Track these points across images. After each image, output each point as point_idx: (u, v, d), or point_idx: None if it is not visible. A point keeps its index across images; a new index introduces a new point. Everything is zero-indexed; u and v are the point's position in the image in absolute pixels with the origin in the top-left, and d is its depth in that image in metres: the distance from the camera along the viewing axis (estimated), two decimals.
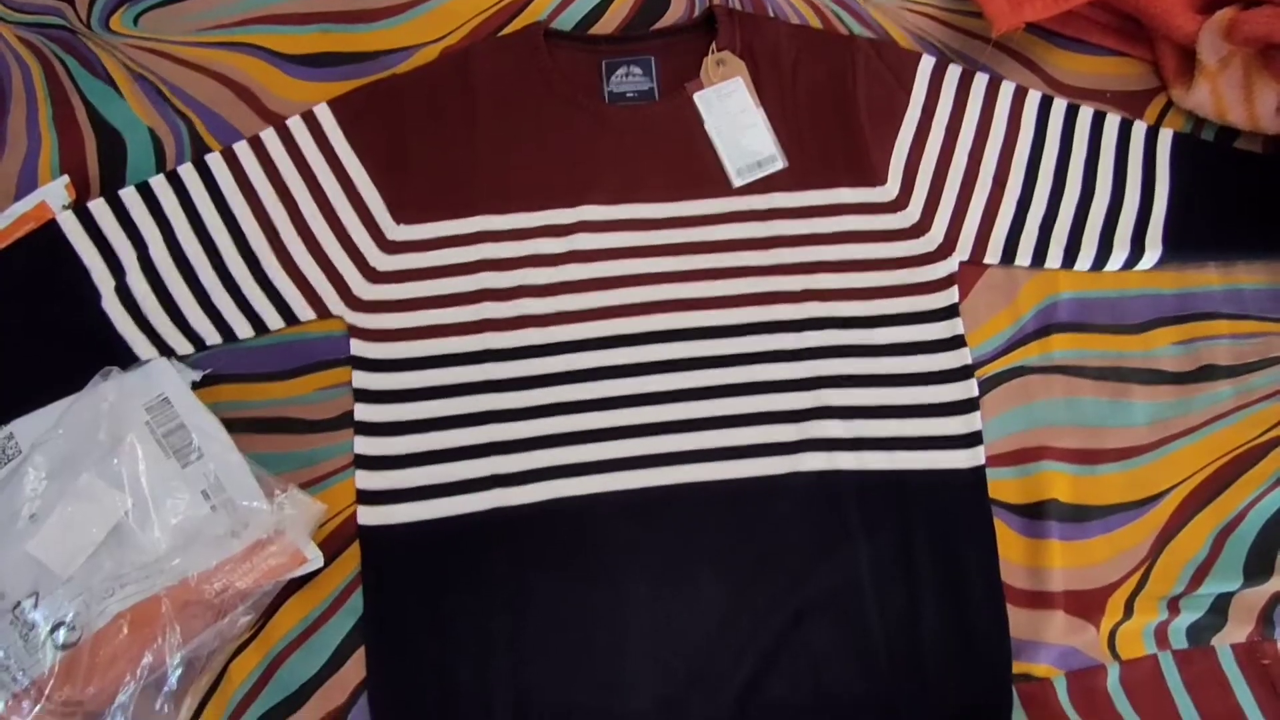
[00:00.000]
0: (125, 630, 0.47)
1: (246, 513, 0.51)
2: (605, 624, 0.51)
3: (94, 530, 0.49)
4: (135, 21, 0.63)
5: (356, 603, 0.52)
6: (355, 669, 0.51)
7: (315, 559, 0.50)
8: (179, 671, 0.48)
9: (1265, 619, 0.52)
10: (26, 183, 0.59)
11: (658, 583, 0.52)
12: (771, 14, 0.64)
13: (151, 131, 0.60)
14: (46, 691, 0.45)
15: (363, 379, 0.55)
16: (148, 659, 0.47)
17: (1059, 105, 0.60)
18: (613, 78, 0.61)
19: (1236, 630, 0.52)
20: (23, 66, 0.62)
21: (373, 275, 0.56)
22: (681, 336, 0.55)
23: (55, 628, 0.46)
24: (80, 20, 0.63)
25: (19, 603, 0.47)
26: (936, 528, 0.53)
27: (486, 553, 0.52)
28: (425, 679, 0.50)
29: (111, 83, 0.62)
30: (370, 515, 0.53)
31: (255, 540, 0.50)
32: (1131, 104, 0.62)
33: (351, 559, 0.53)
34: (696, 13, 0.64)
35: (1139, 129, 0.60)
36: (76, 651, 0.47)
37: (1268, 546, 0.54)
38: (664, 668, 0.50)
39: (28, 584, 0.48)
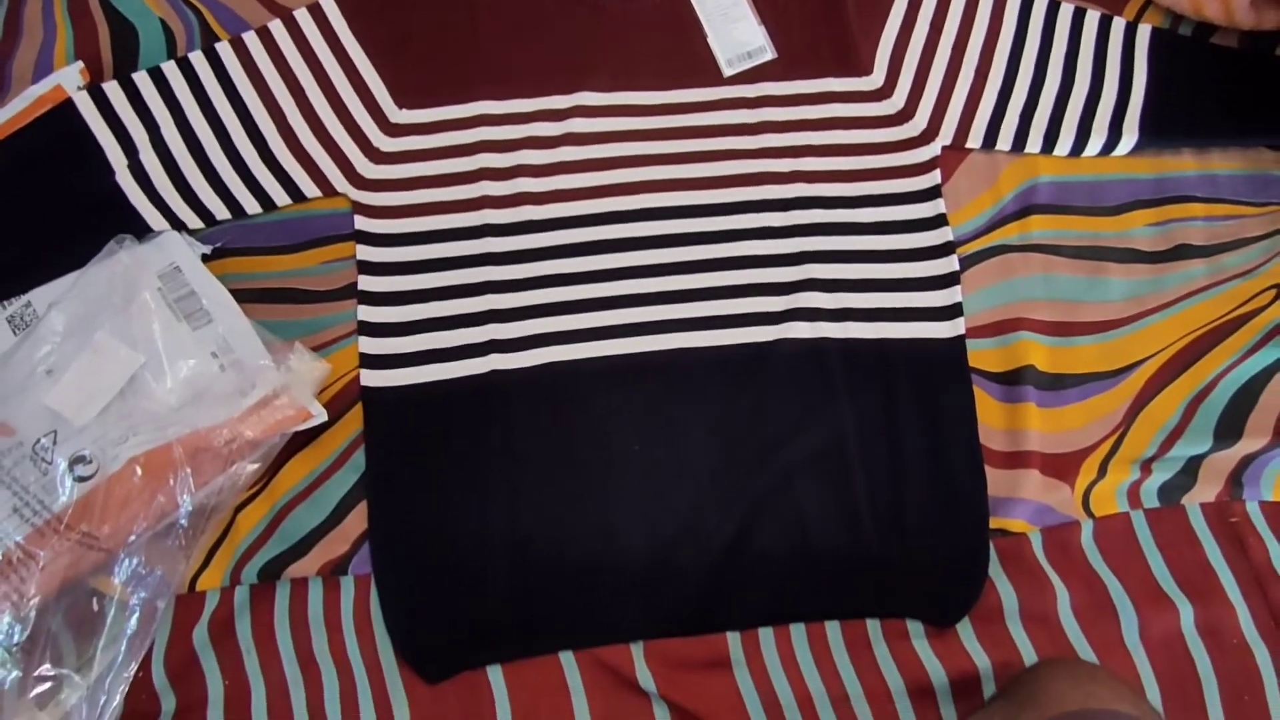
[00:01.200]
0: (139, 473, 0.49)
1: (254, 371, 0.53)
2: (597, 478, 0.53)
3: (109, 383, 0.51)
4: None
5: (359, 460, 0.54)
6: (357, 521, 0.53)
7: (320, 414, 0.52)
8: (190, 514, 0.50)
9: (1233, 480, 0.54)
10: (43, 69, 0.61)
11: (648, 440, 0.54)
12: None
13: (163, 22, 0.62)
14: (66, 522, 0.47)
15: (366, 252, 0.57)
16: (160, 500, 0.49)
17: (1041, 1, 0.62)
18: None
19: (1206, 490, 0.54)
20: None
21: (376, 156, 0.58)
22: (673, 214, 0.58)
23: (73, 463, 0.48)
24: None
25: (38, 440, 0.49)
26: (918, 392, 0.55)
27: (483, 413, 0.54)
28: (424, 531, 0.52)
29: None
30: (373, 378, 0.55)
31: (263, 396, 0.52)
32: (1111, 1, 0.64)
33: (355, 419, 0.55)
34: None
35: (1118, 23, 0.62)
36: (93, 491, 0.49)
37: (1237, 413, 0.55)
38: (654, 519, 0.52)
39: (45, 429, 0.50)
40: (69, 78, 0.59)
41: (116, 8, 0.63)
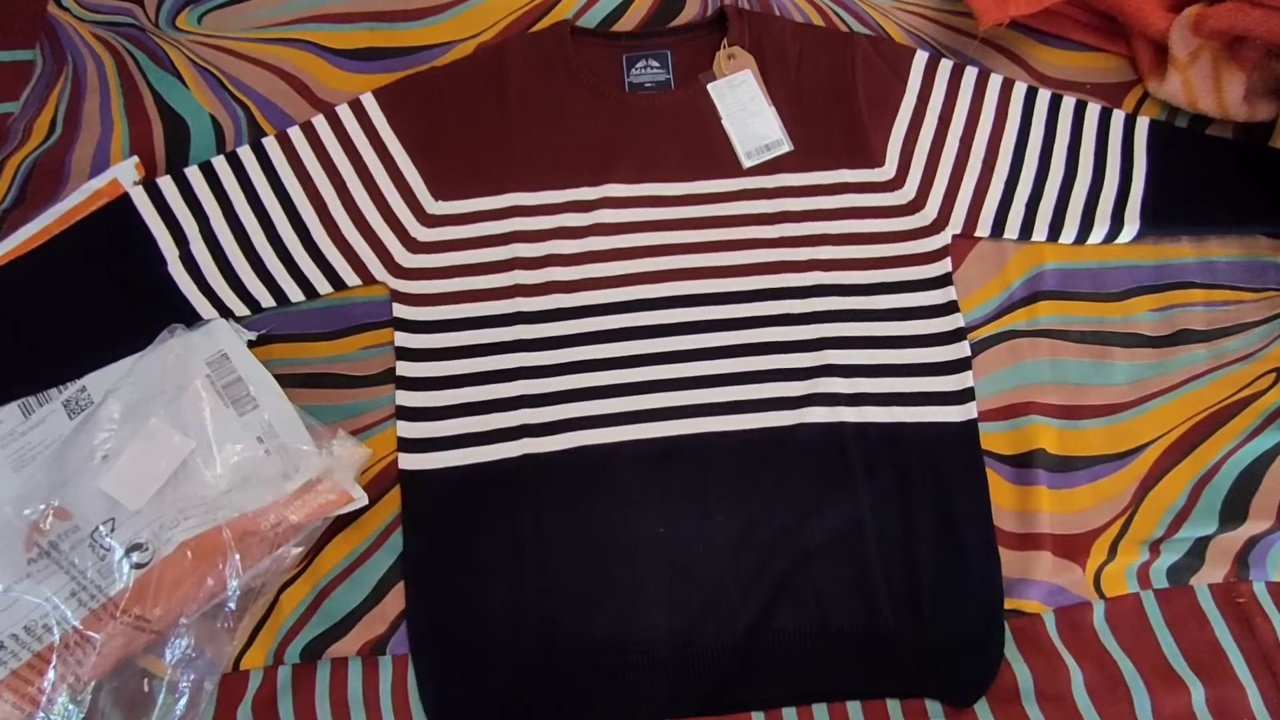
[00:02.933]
0: (190, 557, 0.52)
1: (298, 456, 0.55)
2: (624, 560, 0.55)
3: (162, 468, 0.54)
4: (199, 20, 0.70)
5: (397, 541, 0.56)
6: (395, 601, 0.55)
7: (360, 498, 0.55)
8: (237, 596, 0.52)
9: (1240, 561, 0.56)
10: (100, 163, 0.65)
11: (673, 522, 0.56)
12: (777, 13, 0.69)
13: (213, 118, 0.66)
14: (122, 606, 0.50)
15: (404, 339, 0.60)
16: (210, 583, 0.51)
17: (1043, 95, 0.65)
18: (633, 69, 0.66)
19: (1213, 571, 0.56)
20: (97, 60, 0.68)
21: (413, 246, 0.61)
22: (696, 301, 0.60)
23: (130, 550, 0.51)
24: (149, 19, 0.70)
25: (96, 527, 0.51)
26: (933, 474, 0.57)
27: (516, 496, 0.56)
28: (459, 610, 0.54)
29: (177, 74, 0.68)
30: (410, 461, 0.57)
31: (306, 480, 0.54)
32: (1110, 95, 0.67)
33: (393, 501, 0.57)
34: (709, 12, 0.70)
35: (1118, 116, 0.65)
36: (146, 574, 0.51)
37: (1241, 495, 0.57)
38: (678, 600, 0.54)
39: (102, 515, 0.52)
40: (125, 172, 0.63)
41: (170, 104, 0.67)
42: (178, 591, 0.51)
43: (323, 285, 0.61)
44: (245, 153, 0.62)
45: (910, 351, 0.60)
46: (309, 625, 0.54)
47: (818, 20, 0.70)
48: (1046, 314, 0.62)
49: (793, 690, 0.54)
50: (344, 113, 0.63)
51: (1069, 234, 0.63)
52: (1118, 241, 0.63)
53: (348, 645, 0.54)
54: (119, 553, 0.51)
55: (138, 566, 0.50)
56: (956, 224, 0.63)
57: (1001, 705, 0.53)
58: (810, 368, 0.59)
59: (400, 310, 0.60)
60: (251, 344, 0.59)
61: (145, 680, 0.51)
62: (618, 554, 0.55)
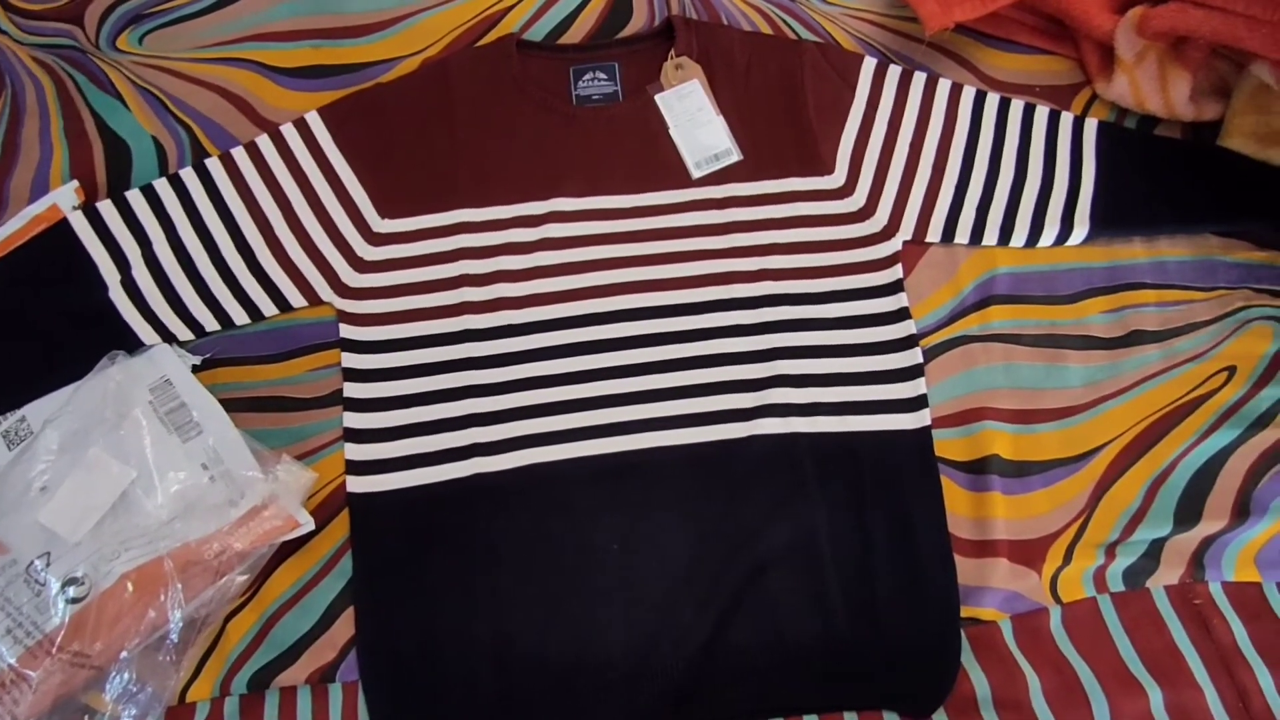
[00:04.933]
0: (130, 589, 0.51)
1: (243, 482, 0.54)
2: (578, 579, 0.54)
3: (101, 499, 0.53)
4: (140, 41, 0.69)
5: (346, 565, 0.55)
6: (345, 627, 0.54)
7: (307, 523, 0.54)
8: (180, 628, 0.51)
9: (1195, 562, 0.56)
10: (39, 188, 0.64)
11: (626, 540, 0.55)
12: (725, 22, 0.69)
13: (155, 140, 0.65)
14: (58, 643, 0.48)
15: (351, 359, 0.59)
16: (151, 615, 0.50)
17: (992, 99, 0.65)
18: (580, 82, 0.66)
19: (1169, 573, 0.55)
20: (36, 83, 0.67)
21: (360, 265, 0.61)
22: (646, 315, 0.60)
23: (66, 584, 0.50)
24: (89, 41, 0.69)
25: (32, 562, 0.50)
26: (887, 483, 0.56)
27: (467, 516, 0.55)
28: (409, 635, 0.54)
29: (118, 96, 0.67)
30: (359, 484, 0.56)
31: (251, 507, 0.53)
32: (1058, 97, 0.67)
33: (341, 525, 0.56)
34: (656, 22, 0.69)
35: (1066, 118, 0.65)
36: (85, 609, 0.50)
37: (1196, 495, 0.57)
38: (632, 617, 0.54)
39: (39, 548, 0.51)
40: (64, 197, 0.62)
41: (110, 127, 0.66)
42: (118, 625, 0.50)
43: (268, 307, 0.60)
44: (188, 174, 0.61)
45: (862, 359, 0.59)
46: (256, 654, 0.53)
47: (766, 28, 0.70)
48: (999, 318, 0.61)
49: (750, 705, 0.53)
50: (288, 131, 0.62)
51: (1020, 237, 0.63)
52: (1069, 244, 0.63)
53: (296, 673, 0.53)
54: (55, 588, 0.50)
55: (74, 601, 0.49)
56: (907, 230, 0.63)
57: (960, 715, 0.53)
58: (762, 378, 0.58)
59: (347, 331, 0.60)
60: (196, 368, 0.58)
61: (86, 717, 0.50)
62: (570, 573, 0.55)
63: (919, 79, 0.65)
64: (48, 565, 0.50)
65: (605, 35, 0.69)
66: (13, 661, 0.48)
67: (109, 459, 0.54)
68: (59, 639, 0.49)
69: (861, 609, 0.54)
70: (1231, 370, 0.61)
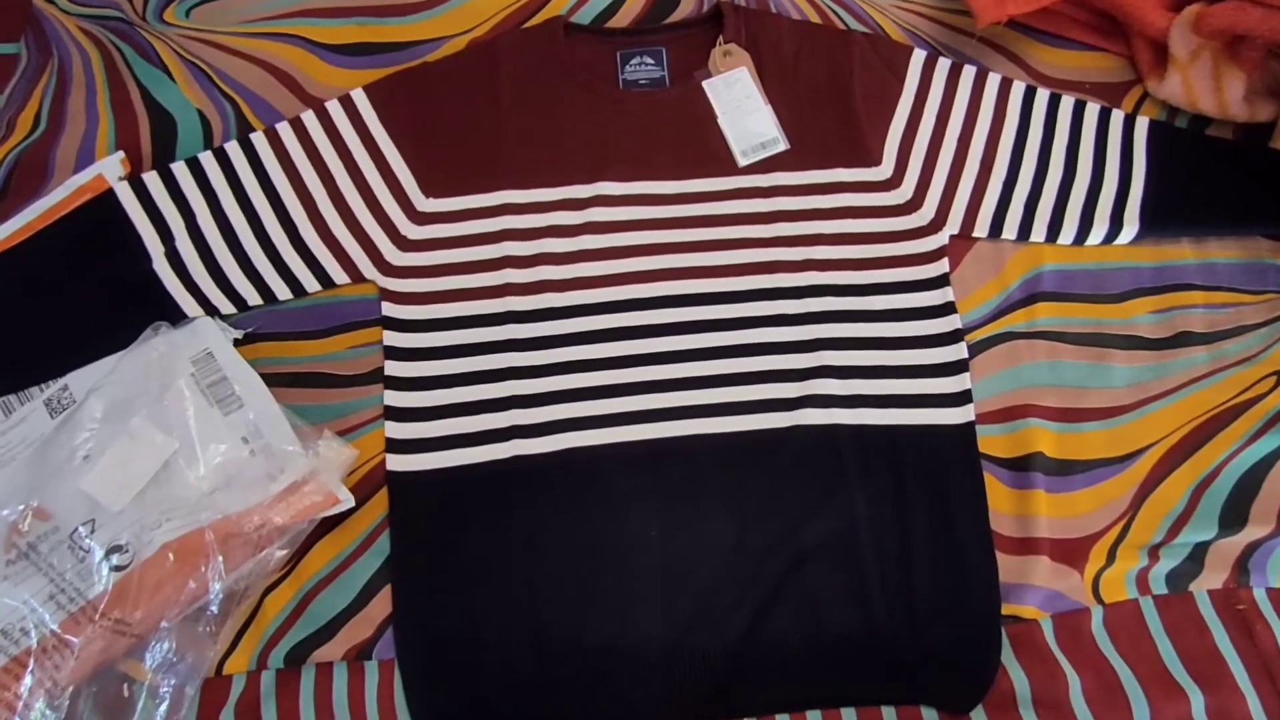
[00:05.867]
0: (171, 559, 0.51)
1: (283, 457, 0.54)
2: (615, 564, 0.54)
3: (144, 469, 0.53)
4: (187, 14, 0.69)
5: (384, 544, 0.55)
6: (381, 605, 0.54)
7: (347, 499, 0.54)
8: (220, 599, 0.51)
9: (1239, 567, 0.55)
10: (85, 158, 0.64)
11: (665, 526, 0.55)
12: (774, 10, 0.69)
13: (200, 113, 0.65)
14: (101, 610, 0.49)
15: (393, 338, 0.59)
16: (192, 586, 0.50)
17: (1042, 95, 0.64)
18: (627, 67, 0.65)
19: (1212, 577, 0.55)
20: (83, 54, 0.67)
21: (403, 244, 0.60)
22: (689, 301, 0.59)
23: (110, 552, 0.50)
24: (136, 13, 0.69)
25: (76, 529, 0.50)
26: (929, 478, 0.56)
27: (505, 498, 0.55)
28: (446, 615, 0.53)
29: (164, 69, 0.67)
30: (398, 462, 0.56)
31: (291, 482, 0.53)
32: (1109, 95, 0.67)
33: (380, 503, 0.56)
34: (705, 8, 0.69)
35: (1117, 116, 0.64)
36: (127, 577, 0.50)
37: (1241, 499, 0.57)
38: (670, 604, 0.53)
39: (83, 516, 0.51)
40: (110, 167, 0.61)
41: (157, 99, 0.66)
42: (159, 594, 0.50)
43: (311, 283, 0.60)
44: (233, 148, 0.61)
45: (907, 353, 0.59)
46: (293, 629, 0.53)
47: (815, 18, 0.69)
48: (1045, 315, 0.61)
49: (787, 697, 0.53)
50: (334, 108, 0.62)
51: (1068, 234, 0.62)
52: (1117, 242, 0.62)
53: (333, 650, 0.53)
54: (98, 555, 0.50)
55: (117, 569, 0.49)
56: (954, 224, 0.62)
57: (998, 713, 0.52)
58: (805, 369, 0.58)
59: (389, 309, 0.59)
60: (237, 342, 0.58)
61: (125, 685, 0.50)
62: (609, 558, 0.54)
63: (968, 72, 0.65)
64: (92, 532, 0.50)
65: (653, 20, 0.69)
66: (55, 627, 0.48)
67: (152, 429, 0.54)
68: (102, 605, 0.49)
69: (901, 603, 0.54)
70: None
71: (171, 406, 0.54)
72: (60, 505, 0.52)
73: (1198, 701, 0.52)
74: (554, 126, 0.63)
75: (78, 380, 0.57)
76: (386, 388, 0.58)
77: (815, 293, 0.60)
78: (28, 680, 0.48)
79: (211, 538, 0.51)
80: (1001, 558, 0.55)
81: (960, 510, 0.56)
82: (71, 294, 0.58)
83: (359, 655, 0.53)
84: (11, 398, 0.56)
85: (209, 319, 0.58)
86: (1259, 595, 0.55)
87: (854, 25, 0.69)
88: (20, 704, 0.47)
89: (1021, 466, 0.57)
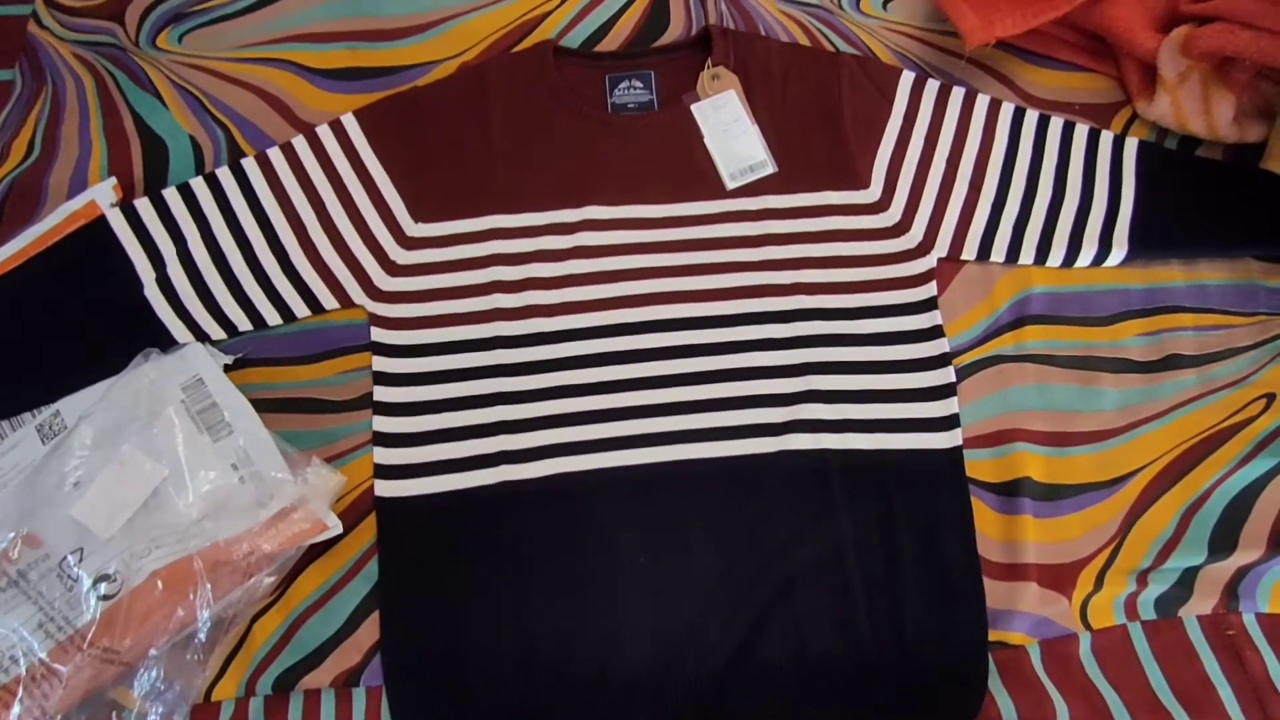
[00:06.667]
0: (160, 587, 0.51)
1: (273, 484, 0.54)
2: (603, 590, 0.54)
3: (133, 496, 0.53)
4: (180, 40, 0.69)
5: (372, 569, 0.55)
6: (370, 631, 0.54)
7: (335, 526, 0.54)
8: (208, 627, 0.51)
9: (1229, 592, 0.55)
10: (77, 184, 0.64)
11: (653, 552, 0.55)
12: (763, 33, 0.69)
13: (192, 139, 0.66)
14: (89, 639, 0.49)
15: (382, 363, 0.59)
16: (180, 614, 0.51)
17: (1031, 116, 0.64)
18: (616, 90, 0.66)
19: (1202, 603, 0.55)
20: (76, 80, 0.68)
21: (392, 269, 0.61)
22: (678, 326, 0.59)
23: (98, 581, 0.50)
24: (129, 39, 0.69)
25: (65, 557, 0.51)
26: (916, 503, 0.56)
27: (494, 524, 0.55)
28: (435, 640, 0.54)
29: (157, 94, 0.67)
30: (386, 488, 0.56)
31: (280, 509, 0.54)
32: (1099, 115, 0.67)
33: (368, 529, 0.56)
34: (694, 32, 0.69)
35: (1106, 137, 0.64)
36: (115, 605, 0.50)
37: (1231, 524, 0.56)
38: (658, 630, 0.53)
39: (72, 544, 0.52)
40: (102, 193, 0.62)
41: (149, 125, 0.66)
42: (147, 622, 0.50)
43: (300, 309, 0.60)
44: (224, 174, 0.61)
45: (895, 377, 0.59)
46: (282, 656, 0.54)
47: (803, 40, 0.69)
48: (1034, 338, 0.61)
49: None
50: (324, 133, 0.62)
51: (1056, 257, 0.62)
52: (1106, 264, 0.62)
53: (321, 676, 0.53)
54: (86, 583, 0.50)
55: (105, 598, 0.50)
56: (942, 247, 0.62)
57: None
58: (793, 393, 0.58)
59: (378, 334, 0.60)
60: (228, 368, 0.59)
61: (114, 713, 0.50)
62: (596, 584, 0.54)
63: (957, 94, 0.65)
64: (80, 560, 0.51)
65: (642, 43, 0.69)
66: (44, 656, 0.49)
67: (142, 456, 0.54)
68: (90, 634, 0.49)
69: (888, 628, 0.54)
70: (1270, 397, 0.60)
71: (161, 433, 0.55)
72: (50, 532, 0.52)
73: None
74: (543, 150, 0.63)
75: (69, 406, 0.57)
76: (375, 413, 0.58)
77: (803, 316, 0.60)
78: (16, 709, 0.48)
79: (200, 565, 0.51)
80: (989, 583, 0.55)
81: (948, 535, 0.55)
82: (64, 320, 0.58)
83: (347, 682, 0.53)
84: (4, 423, 0.57)
85: (199, 345, 0.59)
86: (1249, 621, 0.55)
87: (843, 47, 0.69)
88: None
89: (1010, 491, 0.57)
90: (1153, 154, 0.64)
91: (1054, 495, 0.57)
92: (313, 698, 0.53)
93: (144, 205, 0.60)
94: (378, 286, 0.60)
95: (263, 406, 0.57)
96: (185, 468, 0.54)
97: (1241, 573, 0.55)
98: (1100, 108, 0.67)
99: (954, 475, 0.57)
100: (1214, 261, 0.63)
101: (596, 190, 0.62)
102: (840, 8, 0.72)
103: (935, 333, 0.60)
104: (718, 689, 0.53)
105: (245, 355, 0.60)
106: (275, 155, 0.62)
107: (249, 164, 0.61)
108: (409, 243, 0.61)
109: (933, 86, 0.65)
